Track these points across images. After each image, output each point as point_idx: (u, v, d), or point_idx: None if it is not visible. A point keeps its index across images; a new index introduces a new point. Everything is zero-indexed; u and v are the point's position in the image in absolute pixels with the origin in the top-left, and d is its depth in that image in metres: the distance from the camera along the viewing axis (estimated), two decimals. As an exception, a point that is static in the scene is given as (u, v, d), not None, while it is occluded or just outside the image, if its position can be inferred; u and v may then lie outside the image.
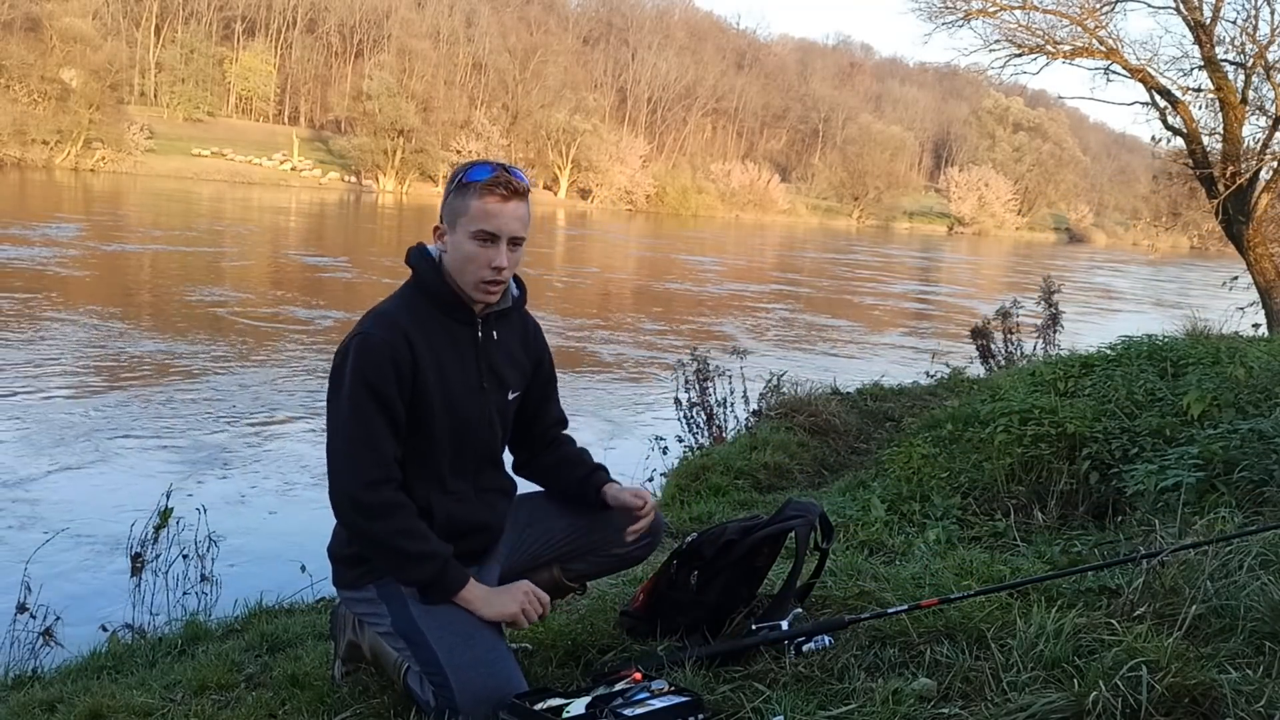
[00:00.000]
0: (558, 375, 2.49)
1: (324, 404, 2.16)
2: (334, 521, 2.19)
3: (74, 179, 45.10)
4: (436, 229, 2.20)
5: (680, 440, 6.80)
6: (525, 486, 2.48)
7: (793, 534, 2.41)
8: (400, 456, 2.12)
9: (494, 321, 2.25)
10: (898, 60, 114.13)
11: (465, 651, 2.06)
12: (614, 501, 2.35)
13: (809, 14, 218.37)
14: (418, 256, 2.22)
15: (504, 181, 2.11)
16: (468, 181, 2.12)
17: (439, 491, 2.18)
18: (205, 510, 4.27)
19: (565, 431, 2.50)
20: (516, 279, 2.30)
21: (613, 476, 2.44)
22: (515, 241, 2.15)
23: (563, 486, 2.44)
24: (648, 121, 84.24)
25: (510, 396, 2.30)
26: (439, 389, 2.14)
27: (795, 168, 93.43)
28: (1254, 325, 9.11)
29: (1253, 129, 11.30)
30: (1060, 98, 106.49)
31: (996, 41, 12.64)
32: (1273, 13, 11.54)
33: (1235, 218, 11.05)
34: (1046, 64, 12.57)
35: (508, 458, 2.42)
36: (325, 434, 2.13)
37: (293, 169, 60.18)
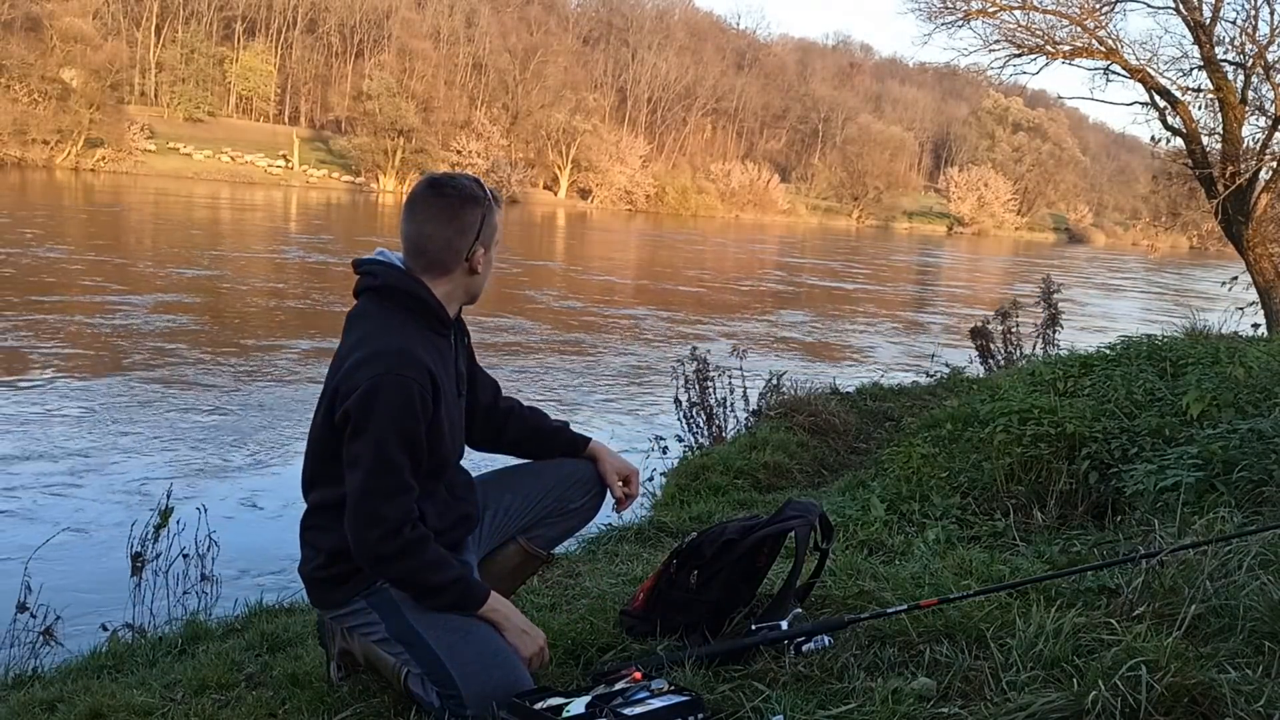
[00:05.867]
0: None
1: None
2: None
3: (75, 179, 45.09)
4: (475, 254, 2.19)
5: (680, 440, 6.79)
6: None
7: (793, 534, 2.42)
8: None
9: (458, 326, 2.30)
10: (898, 60, 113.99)
11: (466, 648, 2.06)
12: (612, 473, 2.48)
13: (809, 14, 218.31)
14: (405, 279, 2.18)
15: (495, 192, 2.25)
16: (491, 202, 2.21)
17: (425, 498, 2.18)
18: (205, 509, 4.27)
19: (505, 395, 2.54)
20: None
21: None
22: None
23: (542, 457, 2.51)
24: (648, 121, 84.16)
25: (466, 391, 2.35)
26: (445, 412, 2.15)
27: (795, 168, 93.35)
28: (1254, 325, 9.11)
29: (1252, 129, 11.32)
30: (1060, 98, 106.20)
31: (996, 42, 12.65)
32: (1272, 13, 11.53)
33: (1235, 218, 11.05)
34: (1046, 64, 12.58)
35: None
36: (346, 466, 2.08)
37: (288, 168, 60.17)
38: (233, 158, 58.05)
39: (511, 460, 2.57)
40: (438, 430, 2.13)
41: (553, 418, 2.58)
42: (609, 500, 2.52)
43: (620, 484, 2.48)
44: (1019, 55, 12.51)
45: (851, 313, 21.69)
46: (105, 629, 3.57)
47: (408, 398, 2.04)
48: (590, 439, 2.54)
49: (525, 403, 2.58)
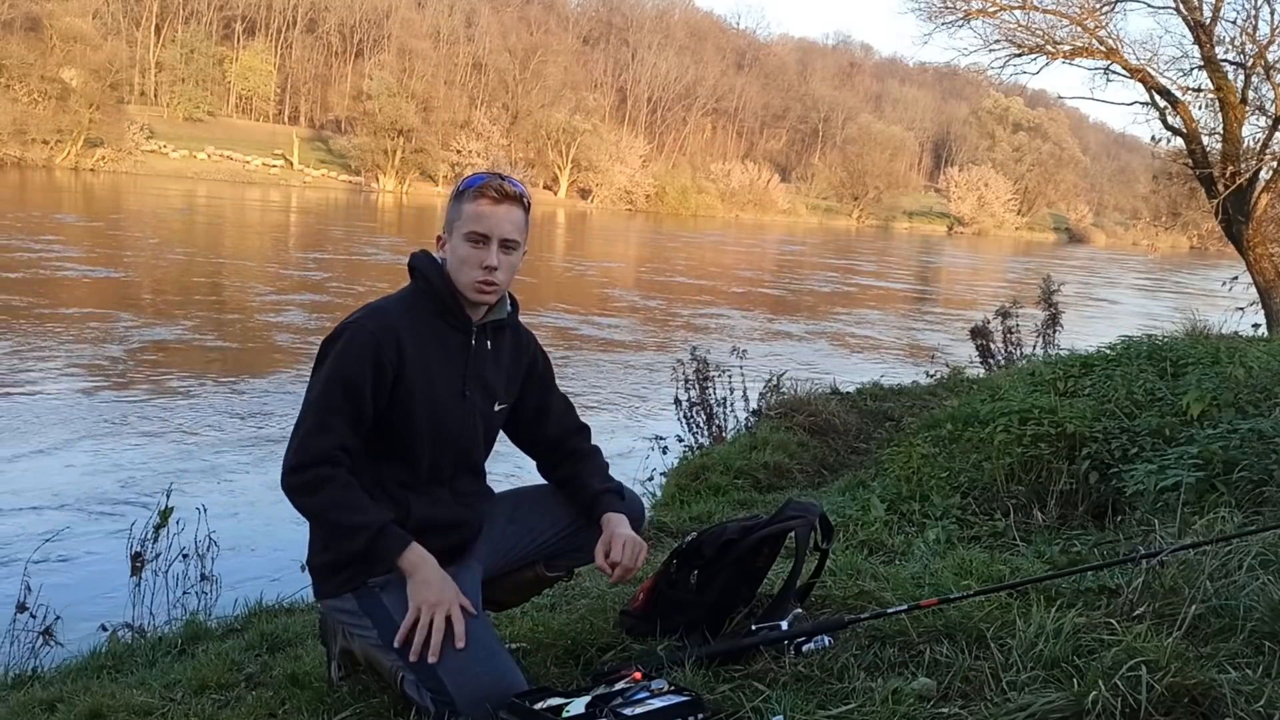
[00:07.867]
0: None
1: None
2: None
3: (75, 179, 45.08)
4: (439, 239, 2.27)
5: (680, 440, 6.79)
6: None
7: (793, 534, 2.42)
8: (356, 448, 2.14)
9: (489, 332, 2.29)
10: (898, 60, 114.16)
11: (457, 654, 2.06)
12: (600, 544, 2.28)
13: (809, 14, 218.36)
14: (424, 260, 2.27)
15: (495, 186, 2.20)
16: (463, 189, 2.22)
17: (415, 493, 2.20)
18: (205, 510, 4.26)
19: (589, 442, 2.47)
20: (510, 296, 2.33)
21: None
22: (508, 244, 2.20)
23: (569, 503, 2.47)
24: (648, 121, 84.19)
25: (497, 408, 2.33)
26: (423, 392, 2.17)
27: (795, 168, 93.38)
28: (1254, 325, 9.10)
29: (1252, 129, 11.32)
30: (1060, 98, 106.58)
31: (996, 41, 12.66)
32: (1273, 13, 11.55)
33: (1235, 218, 11.05)
34: (1046, 64, 12.59)
35: (494, 466, 2.44)
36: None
37: (286, 167, 60.14)
38: (209, 155, 57.46)
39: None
40: (402, 405, 2.15)
41: (606, 480, 2.42)
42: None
43: (604, 555, 2.27)
44: (1019, 55, 12.53)
45: (918, 312, 21.93)
46: (105, 629, 3.57)
47: (360, 348, 2.12)
48: (610, 510, 2.35)
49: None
